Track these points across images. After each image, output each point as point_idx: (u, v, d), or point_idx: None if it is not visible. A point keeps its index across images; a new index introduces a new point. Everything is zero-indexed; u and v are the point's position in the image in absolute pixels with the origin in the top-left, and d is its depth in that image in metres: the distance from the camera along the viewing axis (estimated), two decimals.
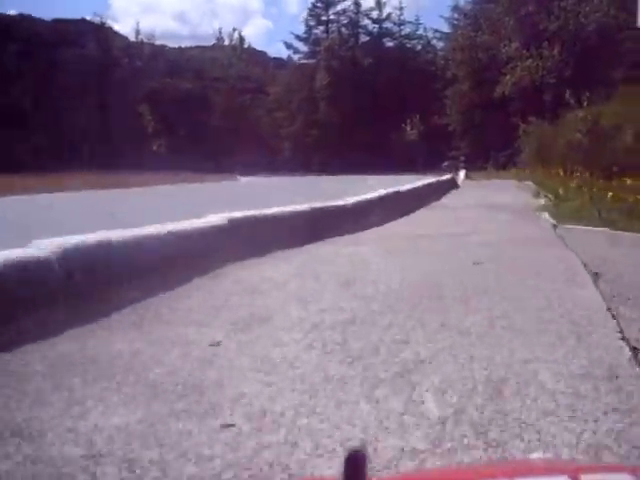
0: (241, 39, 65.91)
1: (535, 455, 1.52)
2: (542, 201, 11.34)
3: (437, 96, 45.74)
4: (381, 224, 6.89)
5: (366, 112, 48.06)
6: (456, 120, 42.44)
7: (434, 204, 11.03)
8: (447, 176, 18.39)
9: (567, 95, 20.34)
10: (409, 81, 48.93)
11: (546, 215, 8.39)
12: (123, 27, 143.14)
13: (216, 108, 60.25)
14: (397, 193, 8.77)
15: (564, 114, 23.05)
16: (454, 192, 15.67)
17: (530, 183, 17.77)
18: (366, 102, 48.10)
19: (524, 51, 35.23)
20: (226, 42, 65.47)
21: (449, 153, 41.97)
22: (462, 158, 39.12)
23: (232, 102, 60.16)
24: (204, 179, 20.83)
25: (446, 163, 40.57)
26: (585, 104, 20.17)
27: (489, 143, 37.32)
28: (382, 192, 8.04)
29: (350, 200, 6.72)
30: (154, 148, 57.80)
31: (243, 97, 60.96)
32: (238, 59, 63.86)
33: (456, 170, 31.87)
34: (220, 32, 67.81)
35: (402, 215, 7.97)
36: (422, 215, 8.86)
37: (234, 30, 66.71)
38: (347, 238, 5.70)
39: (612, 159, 16.05)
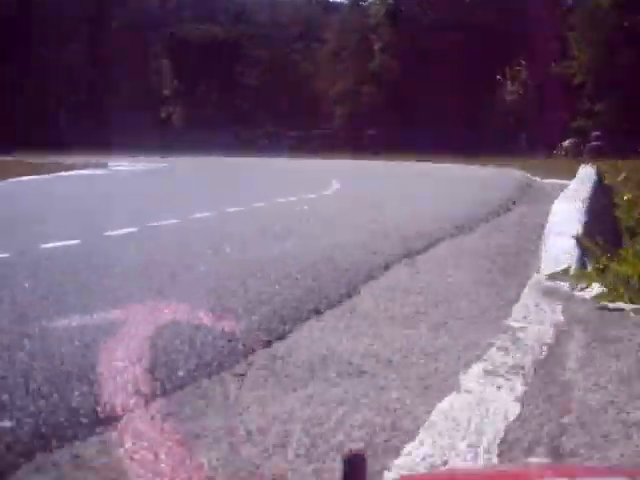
0: None
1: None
2: None
3: (557, 30, 28.54)
4: None
5: (444, 59, 31.47)
6: (587, 66, 24.71)
7: None
8: None
9: None
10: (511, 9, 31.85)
11: None
12: None
13: (255, 63, 44.88)
14: None
15: None
16: None
17: None
18: (443, 43, 31.47)
19: None
20: None
21: (572, 123, 25.09)
22: (595, 133, 22.39)
23: (277, 54, 44.41)
24: None
25: (568, 142, 24.05)
26: None
27: None
28: None
29: None
30: (162, 116, 43.43)
31: (291, 46, 44.94)
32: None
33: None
34: None
35: None
36: None
37: None
38: None
39: None
